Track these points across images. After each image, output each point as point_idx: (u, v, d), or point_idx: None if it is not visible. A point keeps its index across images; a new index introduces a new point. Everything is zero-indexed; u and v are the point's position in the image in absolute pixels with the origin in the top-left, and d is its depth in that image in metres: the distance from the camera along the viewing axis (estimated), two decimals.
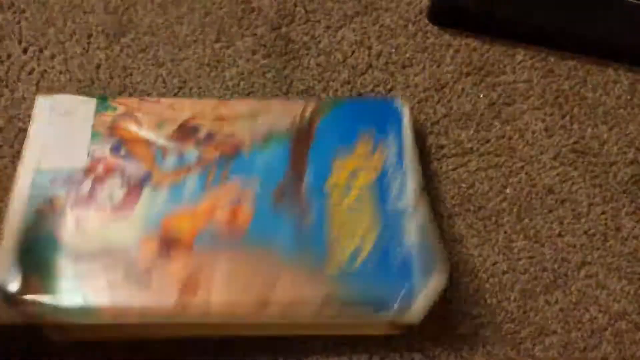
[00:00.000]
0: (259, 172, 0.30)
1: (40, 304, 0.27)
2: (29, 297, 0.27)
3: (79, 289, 0.27)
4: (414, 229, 0.31)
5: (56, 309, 0.27)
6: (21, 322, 0.27)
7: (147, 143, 0.31)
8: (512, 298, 0.34)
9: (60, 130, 0.31)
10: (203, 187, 0.30)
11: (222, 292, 0.28)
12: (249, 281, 0.29)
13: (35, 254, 0.28)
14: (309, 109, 0.33)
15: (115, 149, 0.31)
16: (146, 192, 0.30)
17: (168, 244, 0.29)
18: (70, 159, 0.30)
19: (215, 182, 0.31)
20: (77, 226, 0.29)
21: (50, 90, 0.36)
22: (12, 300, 0.27)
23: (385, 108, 0.34)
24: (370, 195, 0.32)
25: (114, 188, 0.30)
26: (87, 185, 0.30)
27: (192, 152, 0.31)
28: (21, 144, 0.33)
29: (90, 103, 0.32)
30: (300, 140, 0.31)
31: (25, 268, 0.27)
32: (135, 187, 0.30)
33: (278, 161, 0.31)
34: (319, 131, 0.32)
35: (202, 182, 0.31)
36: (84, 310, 0.27)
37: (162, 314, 0.28)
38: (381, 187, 0.32)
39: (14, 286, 0.27)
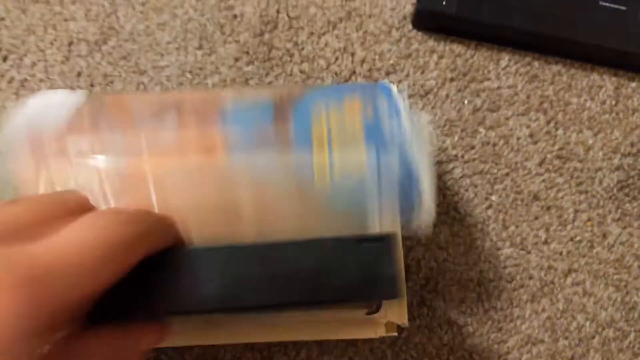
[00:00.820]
0: (239, 122, 0.28)
1: None
2: None
3: None
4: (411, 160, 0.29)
5: None
6: None
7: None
8: (498, 307, 0.33)
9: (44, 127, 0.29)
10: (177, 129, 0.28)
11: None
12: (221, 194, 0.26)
13: None
14: (295, 88, 0.31)
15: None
16: None
17: None
18: None
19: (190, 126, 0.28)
20: None
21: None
22: None
23: (374, 88, 0.31)
24: (363, 131, 0.28)
25: None
26: None
27: (172, 118, 0.28)
28: None
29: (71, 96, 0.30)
30: (284, 100, 0.29)
31: None
32: None
33: (261, 115, 0.28)
34: (305, 96, 0.29)
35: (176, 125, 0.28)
36: None
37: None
38: (375, 127, 0.28)
39: None
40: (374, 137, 0.28)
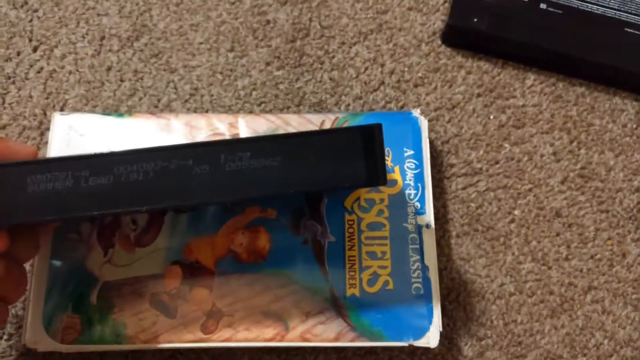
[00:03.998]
0: None
1: (77, 334, 0.29)
2: (67, 329, 0.29)
3: (110, 318, 0.29)
4: (431, 247, 0.32)
5: (90, 338, 0.29)
6: (60, 350, 0.29)
7: None
8: (518, 320, 0.34)
9: (80, 151, 0.31)
10: (223, 213, 0.31)
11: (244, 320, 0.30)
12: (270, 308, 0.30)
13: (69, 285, 0.30)
14: (327, 125, 0.33)
15: None
16: (168, 218, 0.31)
17: (191, 270, 0.30)
18: None
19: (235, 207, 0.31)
20: (105, 256, 0.30)
21: (59, 89, 0.36)
22: (52, 331, 0.29)
23: (403, 122, 0.34)
24: (390, 210, 0.32)
25: (137, 215, 0.31)
26: None
27: None
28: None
29: (107, 121, 0.33)
30: None
31: (61, 300, 0.29)
32: (158, 214, 0.31)
33: None
34: None
35: (221, 208, 0.31)
36: (115, 338, 0.29)
37: (187, 341, 0.29)
38: (401, 202, 0.32)
39: (55, 319, 0.29)
40: None
